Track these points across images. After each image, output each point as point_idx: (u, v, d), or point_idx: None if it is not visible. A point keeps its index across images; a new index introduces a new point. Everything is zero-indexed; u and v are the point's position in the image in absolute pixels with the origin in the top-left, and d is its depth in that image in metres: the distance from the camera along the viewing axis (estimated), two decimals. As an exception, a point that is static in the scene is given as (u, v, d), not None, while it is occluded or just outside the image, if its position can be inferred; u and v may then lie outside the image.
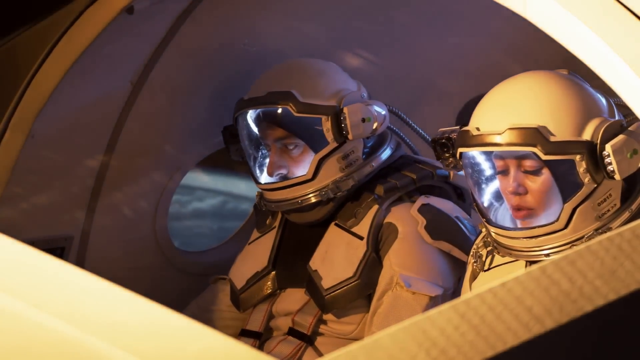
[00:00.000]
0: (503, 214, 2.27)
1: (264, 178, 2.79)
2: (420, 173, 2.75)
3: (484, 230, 2.32)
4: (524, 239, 2.19)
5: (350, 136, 2.67)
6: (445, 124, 3.26)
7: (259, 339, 2.77)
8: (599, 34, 1.75)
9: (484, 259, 2.33)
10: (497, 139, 2.13)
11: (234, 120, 2.82)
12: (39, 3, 2.47)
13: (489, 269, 2.33)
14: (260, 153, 2.81)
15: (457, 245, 2.64)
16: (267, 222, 2.88)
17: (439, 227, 2.65)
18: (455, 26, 3.28)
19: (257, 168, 2.82)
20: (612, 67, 1.74)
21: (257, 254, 2.85)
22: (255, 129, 2.78)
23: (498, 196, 2.27)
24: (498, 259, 2.31)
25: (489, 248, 2.30)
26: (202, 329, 1.15)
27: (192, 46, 2.94)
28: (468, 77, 3.35)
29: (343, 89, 2.72)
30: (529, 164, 2.17)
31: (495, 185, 2.26)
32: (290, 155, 2.72)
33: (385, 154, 2.77)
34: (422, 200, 2.69)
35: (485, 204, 2.27)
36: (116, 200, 3.12)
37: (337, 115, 2.66)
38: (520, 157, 2.17)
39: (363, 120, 2.66)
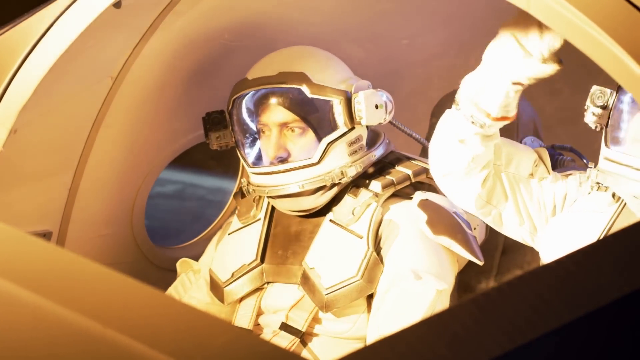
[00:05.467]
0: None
1: (263, 162, 2.76)
2: (416, 169, 2.76)
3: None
4: None
5: (364, 121, 2.69)
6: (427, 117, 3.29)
7: (247, 334, 2.75)
8: (603, 28, 1.77)
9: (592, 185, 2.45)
10: None
11: (231, 102, 2.79)
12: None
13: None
14: (257, 137, 2.78)
15: (456, 240, 2.63)
16: (252, 213, 2.86)
17: (439, 222, 2.64)
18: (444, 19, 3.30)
19: (252, 152, 2.80)
20: (616, 62, 1.76)
21: (242, 246, 2.82)
22: (255, 111, 2.76)
23: None
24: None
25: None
26: (226, 324, 1.15)
27: (174, 39, 2.92)
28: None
29: (351, 76, 2.76)
30: None
31: None
32: (292, 138, 2.71)
33: (382, 146, 2.80)
34: (420, 195, 2.68)
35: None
36: (94, 195, 3.09)
37: (349, 100, 2.69)
38: None
39: (376, 107, 2.70)
